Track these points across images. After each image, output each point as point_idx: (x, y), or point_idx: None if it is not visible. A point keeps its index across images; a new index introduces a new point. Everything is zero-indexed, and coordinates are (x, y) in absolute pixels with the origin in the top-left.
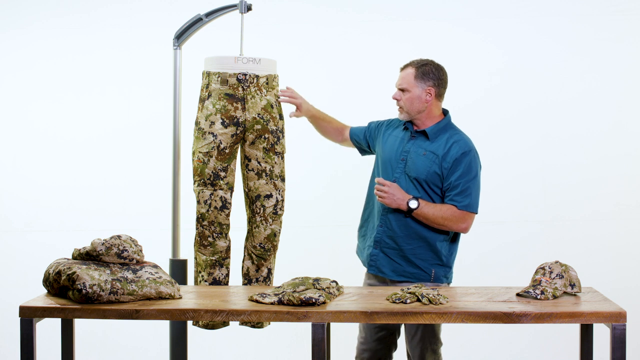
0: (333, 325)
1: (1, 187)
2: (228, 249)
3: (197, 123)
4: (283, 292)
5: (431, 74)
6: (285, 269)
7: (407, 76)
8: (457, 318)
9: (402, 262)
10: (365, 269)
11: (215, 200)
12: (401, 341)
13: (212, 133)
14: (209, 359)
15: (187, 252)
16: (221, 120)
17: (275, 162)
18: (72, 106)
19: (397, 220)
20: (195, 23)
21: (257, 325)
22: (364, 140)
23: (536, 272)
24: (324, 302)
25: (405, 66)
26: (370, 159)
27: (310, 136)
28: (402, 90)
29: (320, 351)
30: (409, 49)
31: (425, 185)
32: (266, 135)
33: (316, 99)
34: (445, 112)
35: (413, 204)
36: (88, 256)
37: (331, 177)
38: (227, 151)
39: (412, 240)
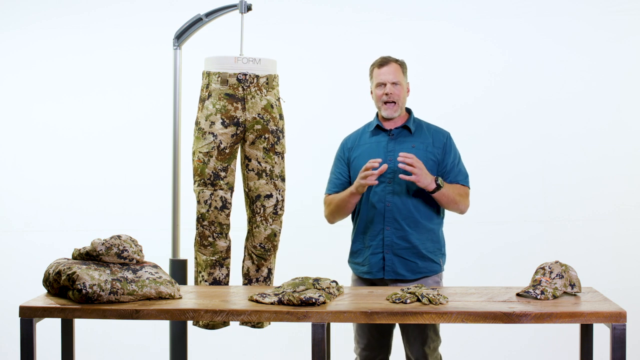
0: (333, 325)
1: (1, 187)
2: (228, 249)
3: (197, 123)
4: (283, 292)
5: (407, 71)
6: (285, 269)
7: (397, 70)
8: (457, 318)
9: (416, 260)
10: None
11: (216, 200)
12: (397, 345)
13: (212, 133)
14: (209, 359)
15: (187, 252)
16: (221, 120)
17: (276, 162)
18: (72, 106)
19: (405, 219)
20: (195, 23)
21: (257, 325)
22: (347, 176)
23: (536, 272)
24: (324, 302)
25: (386, 62)
26: None
27: (310, 136)
28: (394, 84)
29: (320, 351)
30: (409, 49)
31: None
32: (266, 135)
33: (316, 99)
34: (407, 109)
35: (440, 182)
36: (88, 256)
37: None
38: (227, 151)
39: (421, 234)
